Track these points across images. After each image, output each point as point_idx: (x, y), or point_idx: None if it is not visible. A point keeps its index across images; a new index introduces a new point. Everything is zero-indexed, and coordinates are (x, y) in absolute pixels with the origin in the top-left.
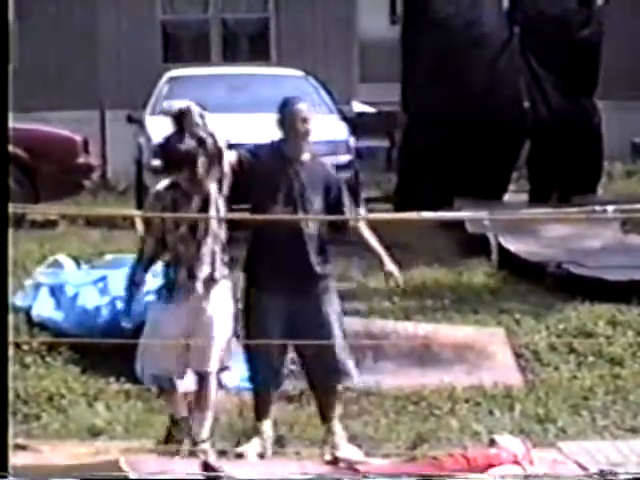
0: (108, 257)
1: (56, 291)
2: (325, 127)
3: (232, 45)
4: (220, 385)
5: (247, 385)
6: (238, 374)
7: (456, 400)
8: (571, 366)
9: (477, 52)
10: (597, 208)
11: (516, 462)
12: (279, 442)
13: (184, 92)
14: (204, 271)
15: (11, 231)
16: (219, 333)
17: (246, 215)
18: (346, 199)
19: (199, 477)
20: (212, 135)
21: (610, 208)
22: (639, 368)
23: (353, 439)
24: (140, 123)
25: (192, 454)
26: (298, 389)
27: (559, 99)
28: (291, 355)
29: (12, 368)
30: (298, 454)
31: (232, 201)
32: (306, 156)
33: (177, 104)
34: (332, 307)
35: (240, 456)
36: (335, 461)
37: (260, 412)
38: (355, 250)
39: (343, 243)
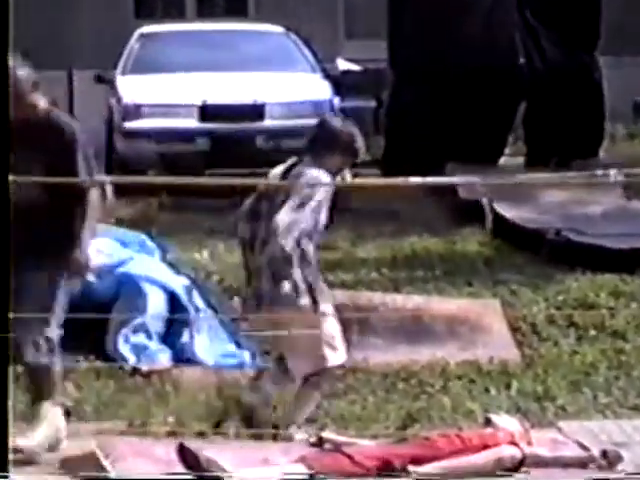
0: None
1: None
2: (308, 86)
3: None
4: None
5: (227, 362)
6: (218, 351)
7: (449, 377)
8: (571, 340)
9: (469, 5)
10: (598, 172)
11: (513, 442)
12: None
13: (157, 50)
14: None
15: None
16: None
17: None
18: (79, 165)
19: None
20: None
21: (612, 172)
22: None
23: (339, 419)
24: (111, 83)
25: (170, 435)
26: None
27: (557, 55)
28: None
29: None
30: (278, 435)
31: None
32: (31, 118)
33: None
34: None
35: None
36: (320, 442)
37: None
38: (342, 218)
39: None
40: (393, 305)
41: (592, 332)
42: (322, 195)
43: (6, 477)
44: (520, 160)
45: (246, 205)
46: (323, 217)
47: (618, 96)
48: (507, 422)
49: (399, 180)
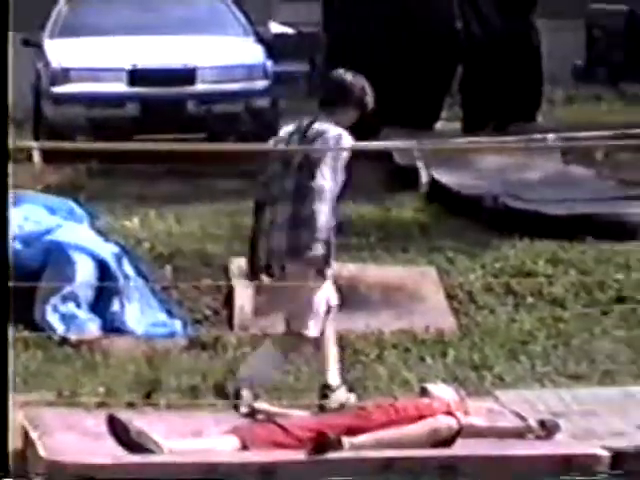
0: None
1: None
2: (240, 50)
3: None
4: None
5: (158, 331)
6: (149, 320)
7: (384, 346)
8: (509, 308)
9: None
10: (536, 137)
11: (449, 412)
12: (192, 392)
13: (86, 13)
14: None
15: None
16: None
17: None
18: None
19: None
20: None
21: (550, 137)
22: (582, 310)
23: (272, 389)
24: (38, 47)
25: (100, 406)
26: (212, 335)
27: (495, 19)
28: (206, 299)
29: None
30: (212, 406)
31: None
32: None
33: None
34: None
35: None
36: (253, 413)
37: None
38: None
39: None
40: None
41: (530, 300)
42: (345, 152)
43: (6, 477)
44: (457, 125)
45: (270, 168)
46: (340, 174)
47: (558, 60)
48: (443, 391)
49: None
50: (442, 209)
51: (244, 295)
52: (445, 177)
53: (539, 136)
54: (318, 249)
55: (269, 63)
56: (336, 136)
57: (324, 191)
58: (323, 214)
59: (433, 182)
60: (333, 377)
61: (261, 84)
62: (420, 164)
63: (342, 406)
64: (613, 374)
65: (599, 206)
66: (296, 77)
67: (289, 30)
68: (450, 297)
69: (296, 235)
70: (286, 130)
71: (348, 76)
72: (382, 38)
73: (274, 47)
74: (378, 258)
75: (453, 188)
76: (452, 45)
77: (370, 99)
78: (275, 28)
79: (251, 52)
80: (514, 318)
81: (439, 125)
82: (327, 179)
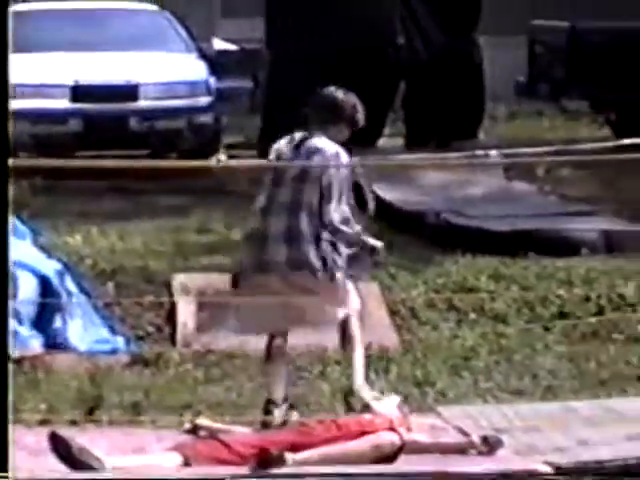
0: None
1: None
2: (183, 66)
3: None
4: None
5: (100, 348)
6: (91, 336)
7: (327, 362)
8: (451, 324)
9: None
10: (478, 153)
11: (392, 428)
12: (134, 409)
13: (30, 29)
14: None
15: None
16: None
17: None
18: None
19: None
20: None
21: (492, 153)
22: (524, 325)
23: (215, 405)
24: None
25: (42, 423)
26: (155, 352)
27: (437, 35)
28: (149, 316)
29: None
30: (155, 422)
31: None
32: None
33: None
34: None
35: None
36: (195, 429)
37: None
38: (216, 200)
39: (203, 192)
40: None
41: (472, 316)
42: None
43: (6, 477)
44: (399, 141)
45: (266, 180)
46: (344, 191)
47: (500, 76)
48: (386, 408)
49: (276, 162)
50: (384, 225)
51: (187, 311)
52: (388, 193)
53: (481, 152)
54: (315, 260)
55: (212, 79)
56: (334, 153)
57: (316, 205)
58: (315, 227)
59: (375, 198)
60: (278, 392)
61: (204, 100)
62: (362, 180)
63: (285, 422)
64: (555, 389)
65: (541, 222)
66: (239, 93)
67: (232, 46)
68: (392, 313)
69: (292, 247)
70: (278, 146)
71: (339, 94)
72: (324, 54)
73: (217, 63)
74: None
75: (395, 204)
76: (395, 62)
77: (361, 116)
78: (218, 44)
79: (194, 68)
80: (456, 334)
81: (382, 141)
82: (336, 212)
